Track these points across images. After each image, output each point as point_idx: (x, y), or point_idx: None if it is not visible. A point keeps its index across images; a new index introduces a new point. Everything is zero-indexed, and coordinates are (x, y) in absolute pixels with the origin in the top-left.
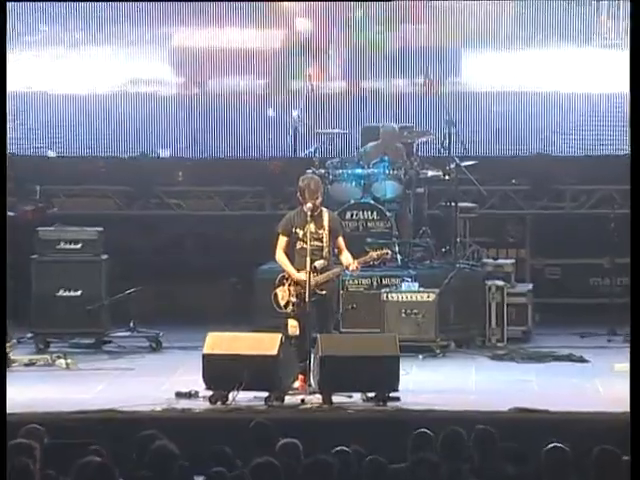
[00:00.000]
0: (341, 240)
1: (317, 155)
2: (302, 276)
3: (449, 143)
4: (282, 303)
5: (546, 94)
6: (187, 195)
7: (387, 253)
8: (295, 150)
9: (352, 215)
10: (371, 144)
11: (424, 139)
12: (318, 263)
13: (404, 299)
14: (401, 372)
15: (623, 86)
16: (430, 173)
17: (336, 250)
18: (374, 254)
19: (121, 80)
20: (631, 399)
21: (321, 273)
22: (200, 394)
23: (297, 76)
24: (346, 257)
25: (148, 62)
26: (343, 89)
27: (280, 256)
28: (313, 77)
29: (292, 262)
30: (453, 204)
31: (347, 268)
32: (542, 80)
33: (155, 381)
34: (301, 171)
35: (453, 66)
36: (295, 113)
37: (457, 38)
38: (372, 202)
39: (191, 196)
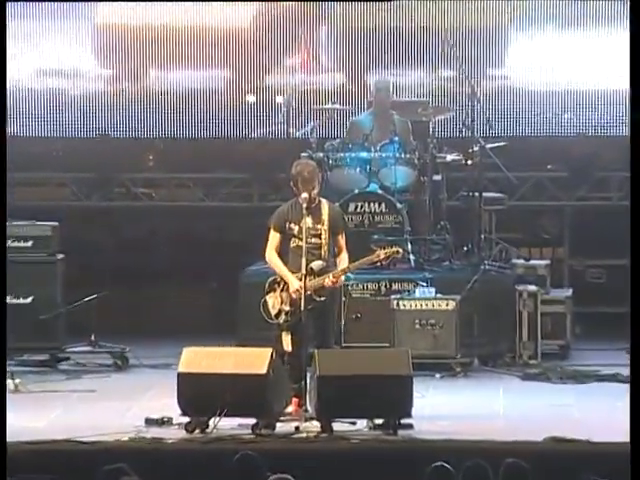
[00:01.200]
0: (342, 238)
1: (314, 135)
2: (296, 280)
3: (472, 121)
4: (273, 312)
5: (590, 63)
6: (158, 183)
7: (397, 252)
8: (288, 129)
9: (356, 207)
10: (363, 114)
11: (442, 116)
12: (316, 264)
13: (418, 307)
14: (415, 394)
15: None
16: (449, 157)
17: (335, 249)
18: (381, 253)
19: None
20: (631, 400)
21: (319, 276)
22: (175, 421)
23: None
24: (343, 260)
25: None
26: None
27: (271, 256)
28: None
29: (285, 263)
30: (477, 194)
31: (331, 278)
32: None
33: (121, 405)
34: (295, 154)
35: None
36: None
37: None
38: (380, 192)
39: (163, 184)
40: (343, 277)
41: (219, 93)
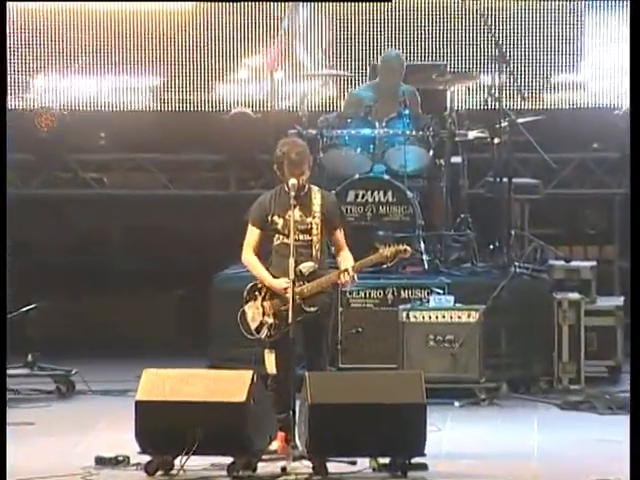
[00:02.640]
0: (340, 233)
1: (305, 108)
2: (282, 285)
3: (501, 90)
4: (253, 326)
5: None
6: (112, 166)
7: (406, 250)
8: (272, 100)
9: (356, 196)
10: (364, 86)
11: (463, 84)
12: (305, 266)
13: (433, 320)
14: (429, 427)
15: None
16: (472, 134)
17: (333, 247)
18: (386, 252)
19: None
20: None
21: (310, 280)
22: (132, 460)
23: None
24: (345, 259)
25: None
26: None
27: (249, 256)
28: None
29: (267, 266)
30: (505, 180)
31: (337, 278)
32: None
33: (66, 441)
34: (281, 131)
35: None
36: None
37: None
38: (386, 177)
39: (118, 168)
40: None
41: (187, 56)
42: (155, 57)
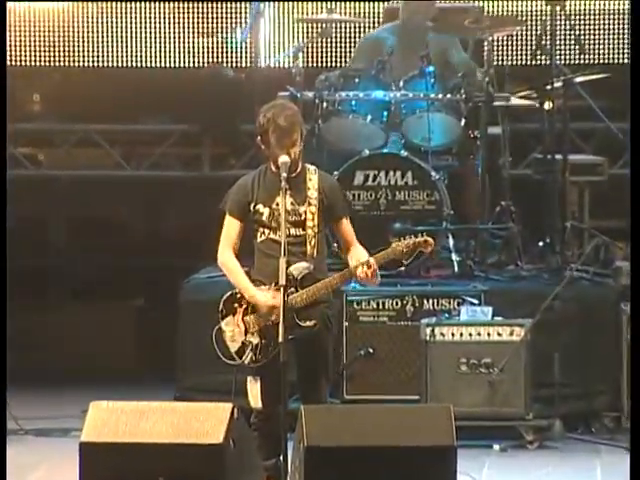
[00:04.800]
0: (346, 223)
1: (299, 63)
2: (269, 302)
3: (553, 41)
4: (233, 348)
5: None
6: (51, 139)
7: (426, 242)
8: (258, 54)
9: (366, 179)
10: (379, 29)
11: (505, 32)
12: (297, 268)
13: (465, 339)
14: (460, 478)
15: None
16: (515, 100)
17: (335, 244)
18: (401, 245)
19: None
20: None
21: (304, 286)
22: None
23: None
24: (358, 255)
25: None
26: None
27: (226, 259)
28: None
29: (250, 268)
30: (559, 157)
31: (355, 275)
32: None
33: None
34: (269, 94)
35: None
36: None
37: None
38: (404, 154)
39: (59, 141)
40: (344, 287)
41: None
42: None
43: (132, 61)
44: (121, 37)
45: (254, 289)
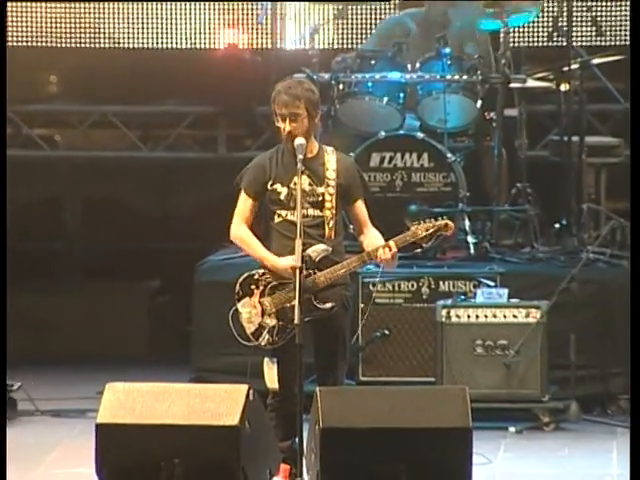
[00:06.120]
0: (362, 206)
1: (315, 45)
2: (290, 263)
3: (570, 23)
4: (250, 329)
5: None
6: (67, 121)
7: (447, 226)
8: (274, 36)
9: (382, 160)
10: (403, 13)
11: (522, 13)
12: (315, 250)
13: (481, 320)
14: (476, 459)
15: None
16: (532, 81)
17: (352, 225)
18: (421, 229)
19: None
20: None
21: (322, 268)
22: None
23: None
24: (372, 238)
25: None
26: None
27: (241, 230)
28: None
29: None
30: (576, 139)
31: (375, 257)
32: None
33: (7, 477)
34: (286, 75)
35: None
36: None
37: None
38: (420, 135)
39: (75, 122)
40: (362, 270)
41: None
42: None
43: (149, 42)
44: (138, 19)
45: (273, 256)
